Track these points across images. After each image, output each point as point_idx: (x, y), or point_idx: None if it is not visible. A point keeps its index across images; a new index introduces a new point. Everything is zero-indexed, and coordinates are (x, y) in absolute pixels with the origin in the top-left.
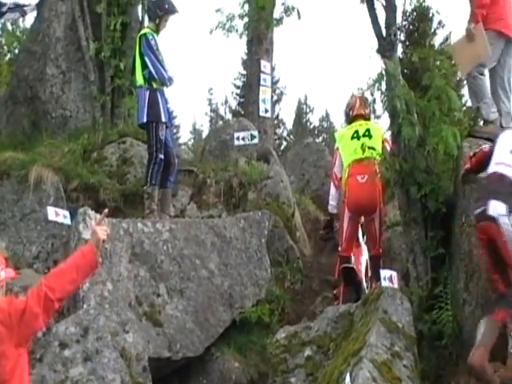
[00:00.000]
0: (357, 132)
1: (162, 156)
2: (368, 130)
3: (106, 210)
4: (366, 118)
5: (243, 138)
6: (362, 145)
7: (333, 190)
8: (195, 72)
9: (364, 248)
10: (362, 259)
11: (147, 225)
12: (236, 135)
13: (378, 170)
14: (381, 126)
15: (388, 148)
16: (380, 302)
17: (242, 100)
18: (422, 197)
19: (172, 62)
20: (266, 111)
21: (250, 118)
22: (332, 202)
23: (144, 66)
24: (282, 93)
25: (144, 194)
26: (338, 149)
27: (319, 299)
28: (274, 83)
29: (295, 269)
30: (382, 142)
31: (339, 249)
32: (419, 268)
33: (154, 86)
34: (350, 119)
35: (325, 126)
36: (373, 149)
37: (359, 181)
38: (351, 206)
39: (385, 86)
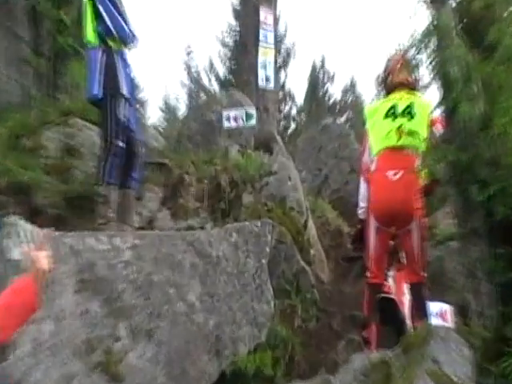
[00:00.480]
0: (393, 108)
1: (121, 144)
2: (409, 107)
3: (53, 229)
4: (412, 88)
5: (235, 119)
6: (399, 127)
7: (363, 188)
8: (167, 25)
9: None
10: (405, 287)
11: (101, 240)
12: (225, 114)
13: (419, 164)
14: (429, 100)
15: (438, 133)
16: (428, 347)
17: (233, 65)
18: (487, 200)
19: (134, 11)
20: (268, 80)
21: (245, 90)
22: (363, 204)
23: (97, 17)
24: (289, 54)
25: (97, 196)
26: (367, 130)
27: (342, 344)
28: (279, 41)
29: (309, 301)
30: (430, 125)
31: (367, 274)
32: (483, 299)
33: (112, 45)
34: (389, 88)
35: (349, 100)
36: (413, 134)
37: (389, 178)
38: (378, 212)
39: (434, 45)
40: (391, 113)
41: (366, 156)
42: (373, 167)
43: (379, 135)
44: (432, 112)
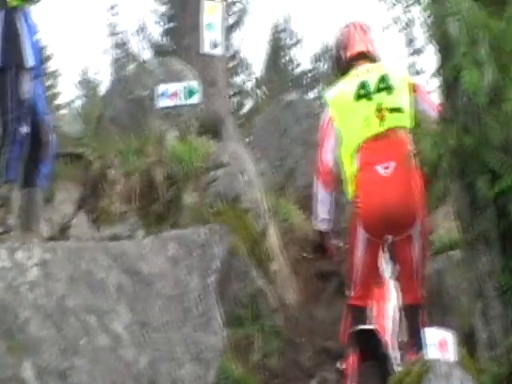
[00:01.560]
0: (364, 85)
1: (25, 129)
2: (384, 79)
3: None
4: (373, 59)
5: (174, 95)
6: (379, 107)
7: (321, 193)
8: None
9: (392, 289)
10: (388, 309)
11: (0, 255)
12: (161, 90)
13: (413, 151)
14: (402, 65)
15: (426, 104)
16: None
17: (170, 25)
18: (499, 196)
19: None
20: (215, 45)
21: (186, 57)
22: (322, 215)
23: None
24: (244, 10)
25: None
26: (331, 119)
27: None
28: None
29: (269, 330)
30: (412, 94)
31: (347, 293)
32: (493, 324)
33: (13, 2)
34: (346, 64)
35: (320, 70)
36: (398, 110)
37: (380, 174)
38: (369, 220)
39: None
40: (363, 92)
41: (327, 154)
42: (352, 166)
43: (355, 124)
44: (410, 78)
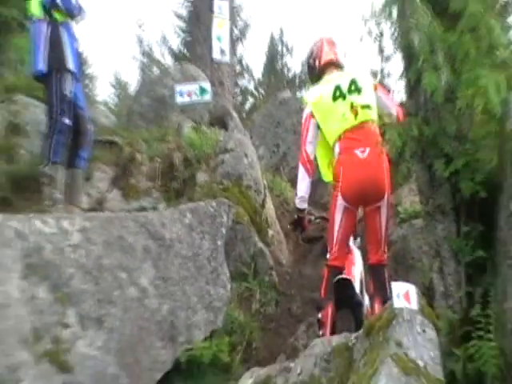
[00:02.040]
0: (339, 88)
1: (67, 121)
2: (354, 82)
3: None
4: (340, 67)
5: (189, 94)
6: (352, 105)
7: (303, 177)
8: None
9: (357, 254)
10: (354, 270)
11: (48, 223)
12: (178, 89)
13: (381, 139)
14: (365, 70)
15: (385, 98)
16: (391, 330)
17: (187, 37)
18: (452, 175)
19: None
20: (223, 53)
21: (200, 63)
22: (302, 194)
23: None
24: (246, 26)
25: (43, 177)
26: (311, 116)
27: (302, 328)
28: (235, 11)
29: (267, 284)
30: (375, 91)
31: (327, 256)
32: (448, 279)
33: (57, 17)
34: (318, 72)
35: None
36: (368, 107)
37: (359, 156)
38: (349, 191)
39: (397, 12)
40: (338, 94)
41: (308, 146)
42: (334, 153)
43: (335, 120)
44: (373, 79)
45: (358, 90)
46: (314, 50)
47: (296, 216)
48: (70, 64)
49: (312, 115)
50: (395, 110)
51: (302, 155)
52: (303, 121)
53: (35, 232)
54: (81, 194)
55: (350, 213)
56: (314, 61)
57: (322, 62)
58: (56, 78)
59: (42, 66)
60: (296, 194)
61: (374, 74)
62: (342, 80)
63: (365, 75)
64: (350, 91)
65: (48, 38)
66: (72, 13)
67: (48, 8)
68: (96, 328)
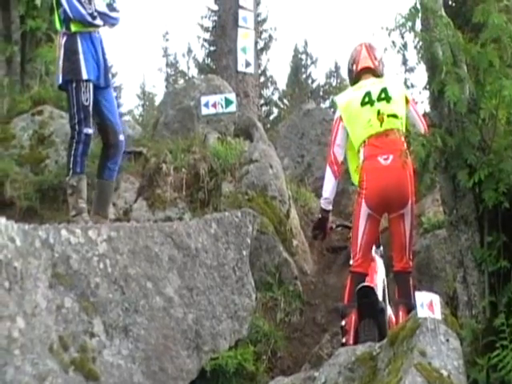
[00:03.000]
0: (368, 95)
1: (88, 130)
2: (384, 91)
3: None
4: (377, 74)
5: (214, 105)
6: (379, 112)
7: (329, 179)
8: (145, 9)
9: (379, 262)
10: (376, 278)
11: (75, 233)
12: (204, 100)
13: (406, 147)
14: (400, 81)
15: (415, 112)
16: (415, 339)
17: (212, 49)
18: (476, 185)
19: None
20: (248, 65)
21: (225, 74)
22: (327, 195)
23: (58, 2)
24: (270, 37)
25: (67, 187)
26: (340, 119)
27: (327, 337)
28: (259, 23)
29: (292, 293)
30: (406, 103)
31: (351, 262)
32: (472, 289)
33: (73, 28)
34: (355, 76)
35: (333, 84)
36: (394, 116)
37: (382, 163)
38: (372, 198)
39: (420, 25)
40: (367, 100)
41: (336, 147)
42: (358, 159)
43: (360, 125)
44: (406, 92)
45: (388, 99)
46: (354, 54)
47: (320, 216)
48: (85, 73)
49: (341, 118)
50: (422, 129)
51: (329, 156)
52: (333, 123)
53: (62, 242)
54: (108, 205)
55: (374, 220)
56: (352, 65)
57: (359, 68)
58: (72, 88)
59: (59, 77)
60: (321, 195)
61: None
62: (374, 87)
63: (398, 86)
64: (379, 99)
65: (63, 48)
66: (85, 21)
67: (64, 19)
68: (122, 337)
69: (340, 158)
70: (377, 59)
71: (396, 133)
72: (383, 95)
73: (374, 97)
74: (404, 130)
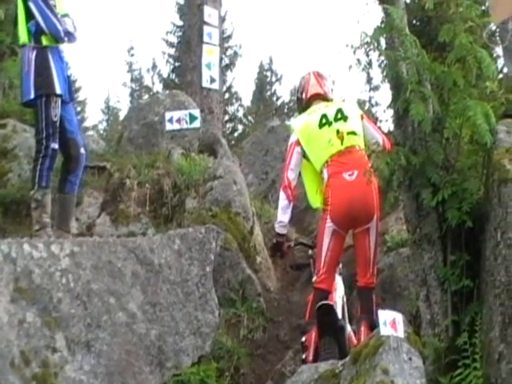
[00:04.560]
0: (325, 116)
1: (54, 145)
2: (340, 111)
3: None
4: (327, 99)
5: (178, 120)
6: (338, 131)
7: (283, 202)
8: (109, 24)
9: (338, 279)
10: (335, 296)
11: (38, 247)
12: (168, 116)
13: (369, 164)
14: (352, 100)
15: (371, 126)
16: (378, 357)
17: (177, 64)
18: (439, 204)
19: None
20: (213, 81)
21: (189, 90)
22: (281, 219)
23: (28, 15)
24: (235, 54)
25: (31, 201)
26: (296, 144)
27: (290, 354)
28: (224, 40)
29: (255, 310)
30: (361, 119)
31: (314, 278)
32: (435, 308)
33: (44, 42)
34: (305, 105)
35: None
36: (354, 133)
37: (347, 179)
38: (338, 213)
39: (385, 43)
40: (324, 121)
41: (290, 172)
42: (323, 178)
43: (321, 146)
44: (359, 108)
45: (344, 118)
46: (302, 83)
47: (275, 241)
48: (57, 88)
49: (297, 143)
50: (381, 139)
51: (283, 181)
52: (288, 147)
53: (24, 256)
54: (71, 220)
55: (339, 236)
56: (302, 93)
57: (309, 95)
58: (43, 102)
59: (31, 93)
60: (276, 219)
61: (362, 103)
62: (329, 109)
63: (351, 105)
64: (336, 119)
65: (35, 63)
66: (58, 37)
67: (35, 33)
68: (84, 352)
69: (294, 183)
70: (326, 86)
71: (358, 149)
72: (339, 115)
73: (331, 118)
74: (363, 147)
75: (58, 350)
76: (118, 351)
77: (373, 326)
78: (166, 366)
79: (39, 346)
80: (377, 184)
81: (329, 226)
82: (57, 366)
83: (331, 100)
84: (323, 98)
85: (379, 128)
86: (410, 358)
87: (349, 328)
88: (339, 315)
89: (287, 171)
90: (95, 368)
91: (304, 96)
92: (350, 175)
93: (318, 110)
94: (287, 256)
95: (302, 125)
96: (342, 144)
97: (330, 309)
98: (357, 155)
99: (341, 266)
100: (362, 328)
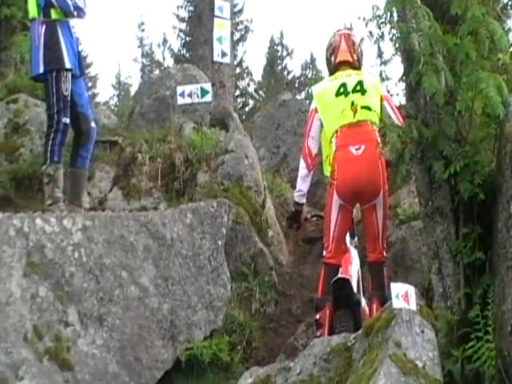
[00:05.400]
0: (344, 86)
1: (66, 120)
2: (360, 83)
3: None
4: (355, 67)
5: (190, 95)
6: (352, 103)
7: (302, 171)
8: None
9: (354, 253)
10: (351, 269)
11: (50, 222)
12: (179, 90)
13: (378, 139)
14: (377, 78)
15: (390, 108)
16: (390, 330)
17: (187, 39)
18: (451, 177)
19: None
20: (224, 55)
21: (200, 64)
22: (300, 188)
23: None
24: (246, 28)
25: (43, 176)
26: (315, 111)
27: (302, 328)
28: (235, 14)
29: (267, 284)
30: (381, 101)
31: (324, 253)
32: (447, 280)
33: (53, 16)
34: (332, 68)
35: (309, 75)
36: (368, 109)
37: (353, 153)
38: (343, 188)
39: (397, 16)
40: (342, 91)
41: (310, 139)
42: (331, 148)
43: (333, 114)
44: (382, 89)
45: (362, 91)
46: (333, 43)
47: (293, 209)
48: (67, 63)
49: (316, 110)
50: (399, 122)
51: (303, 149)
52: (309, 114)
53: (37, 231)
54: (83, 194)
55: (346, 211)
56: (331, 56)
57: (337, 61)
58: (53, 77)
59: (40, 67)
60: (295, 187)
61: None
62: (350, 79)
63: (374, 81)
64: (354, 90)
65: (44, 37)
66: (68, 11)
67: (44, 7)
68: (97, 326)
69: (314, 151)
70: (355, 52)
71: (369, 124)
72: (358, 87)
73: (350, 88)
74: (378, 123)
75: (70, 324)
76: (131, 325)
77: (384, 302)
78: (178, 339)
79: (52, 321)
80: (384, 159)
81: (335, 200)
82: (69, 340)
83: (359, 68)
84: (351, 65)
85: (400, 113)
86: (423, 331)
87: (363, 302)
88: (355, 289)
89: (308, 138)
90: (108, 342)
91: (333, 59)
92: (356, 149)
93: (339, 77)
94: (303, 228)
95: (320, 90)
96: (354, 117)
97: (346, 282)
98: (367, 129)
99: (356, 239)
100: (374, 305)
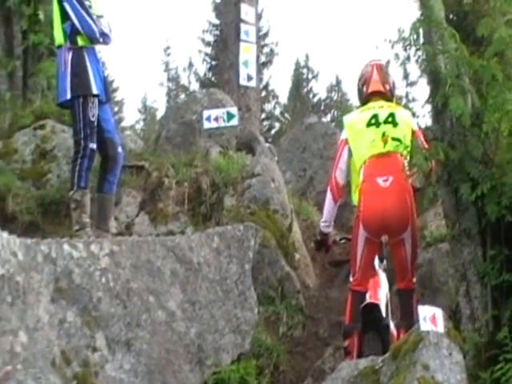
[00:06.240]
0: (375, 117)
1: (93, 145)
2: (392, 116)
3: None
4: (388, 98)
5: (216, 119)
6: (383, 134)
7: (329, 202)
8: (146, 24)
9: (382, 277)
10: (380, 292)
11: (77, 247)
12: (206, 114)
13: (406, 168)
14: (409, 113)
15: (420, 143)
16: (418, 353)
17: (213, 63)
18: (478, 199)
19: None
20: (250, 79)
21: (227, 88)
22: (326, 219)
23: (64, 16)
24: (272, 52)
25: (70, 202)
26: (345, 142)
27: (329, 351)
28: (261, 37)
29: (294, 307)
30: (412, 135)
31: (350, 279)
32: (475, 302)
33: (80, 43)
34: (365, 98)
35: (334, 98)
36: (398, 140)
37: (381, 185)
38: (369, 221)
39: (423, 37)
40: (373, 122)
41: (338, 170)
42: (359, 178)
43: (364, 144)
44: (413, 123)
45: (394, 124)
46: (365, 74)
47: (319, 238)
48: (94, 89)
49: (346, 141)
50: None
51: (330, 180)
52: (338, 145)
53: (64, 256)
54: (110, 219)
55: (372, 244)
56: (363, 86)
57: (369, 91)
58: (80, 103)
59: (67, 93)
60: (322, 211)
61: (399, 99)
62: (382, 110)
63: (406, 115)
64: (385, 122)
65: (71, 64)
66: (94, 38)
67: (70, 34)
68: (124, 351)
69: (341, 183)
70: (387, 82)
71: (398, 156)
72: (390, 119)
73: (381, 119)
74: (406, 157)
75: (98, 349)
76: (158, 350)
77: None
78: (205, 364)
79: (79, 346)
80: (412, 191)
81: (361, 232)
82: (97, 365)
83: (391, 100)
84: (383, 96)
85: (424, 130)
86: (450, 354)
87: (392, 325)
88: (383, 313)
89: (336, 170)
90: (135, 367)
91: (365, 90)
92: (384, 181)
93: (371, 108)
94: (331, 250)
95: (351, 120)
96: (384, 147)
97: (375, 307)
98: (396, 161)
99: (385, 262)
100: (401, 334)
